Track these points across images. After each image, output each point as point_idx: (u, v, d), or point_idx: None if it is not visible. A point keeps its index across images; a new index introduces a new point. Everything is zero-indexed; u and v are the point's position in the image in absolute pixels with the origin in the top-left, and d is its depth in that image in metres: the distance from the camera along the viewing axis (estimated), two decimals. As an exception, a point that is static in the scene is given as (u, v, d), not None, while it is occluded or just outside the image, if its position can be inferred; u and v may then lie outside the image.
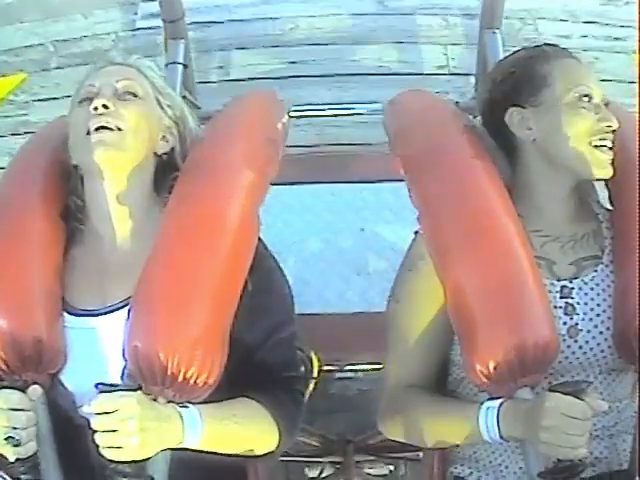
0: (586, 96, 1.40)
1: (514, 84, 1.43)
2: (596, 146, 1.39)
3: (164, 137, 1.40)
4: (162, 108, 1.40)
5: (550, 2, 2.96)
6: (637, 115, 1.51)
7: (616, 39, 2.82)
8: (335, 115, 2.34)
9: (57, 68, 2.91)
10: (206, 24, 3.02)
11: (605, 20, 2.89)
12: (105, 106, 1.33)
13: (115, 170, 1.34)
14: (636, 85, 2.16)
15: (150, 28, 2.95)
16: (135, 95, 1.37)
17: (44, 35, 3.02)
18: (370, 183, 2.16)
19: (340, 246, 2.09)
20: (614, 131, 1.40)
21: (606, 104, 1.41)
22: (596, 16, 2.92)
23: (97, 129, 1.32)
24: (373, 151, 2.37)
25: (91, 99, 1.36)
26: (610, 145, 1.40)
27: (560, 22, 2.91)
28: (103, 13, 3.01)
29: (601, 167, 1.39)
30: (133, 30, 3.01)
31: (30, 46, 3.00)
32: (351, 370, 1.86)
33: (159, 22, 2.67)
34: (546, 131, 1.40)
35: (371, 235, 2.10)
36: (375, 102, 1.77)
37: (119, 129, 1.33)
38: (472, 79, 2.63)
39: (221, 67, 2.91)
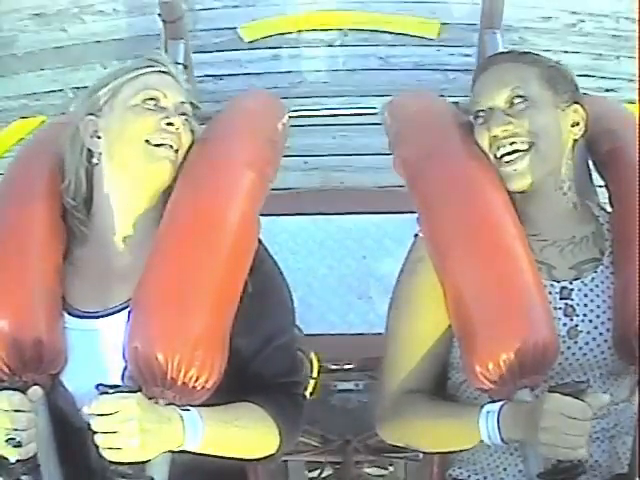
0: (481, 111, 1.40)
1: None
2: (498, 157, 1.38)
3: None
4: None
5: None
6: (637, 115, 1.52)
7: (608, 90, 2.94)
8: (335, 115, 2.40)
9: (75, 113, 3.02)
10: (219, 77, 3.15)
11: (598, 73, 3.03)
12: (177, 128, 1.36)
13: (157, 183, 1.36)
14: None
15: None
16: (189, 122, 1.40)
17: (64, 82, 3.14)
18: (372, 214, 2.22)
19: (343, 272, 2.13)
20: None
21: (515, 101, 1.37)
22: (589, 70, 3.05)
23: (162, 145, 1.34)
24: (375, 190, 2.47)
25: (159, 106, 1.37)
26: (514, 149, 1.37)
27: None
28: (120, 64, 3.13)
29: (507, 181, 1.38)
30: (149, 81, 3.14)
31: (50, 92, 3.12)
32: (350, 370, 1.88)
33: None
34: None
35: (372, 262, 2.14)
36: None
37: (177, 150, 1.36)
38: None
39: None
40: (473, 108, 1.42)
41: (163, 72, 1.41)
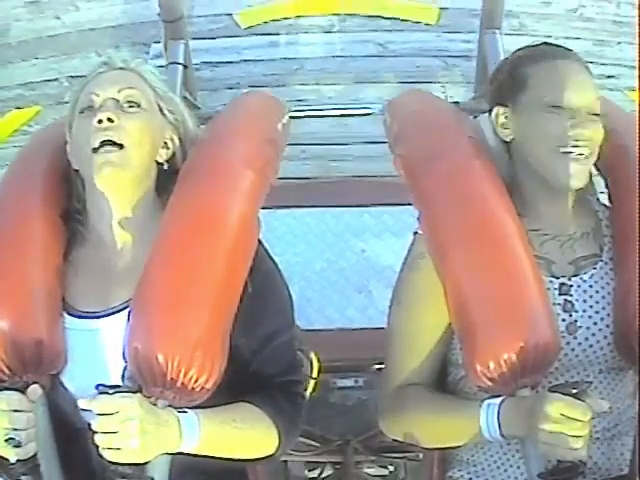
0: (556, 106, 1.37)
1: (500, 83, 1.44)
2: (565, 153, 1.36)
3: (165, 144, 1.39)
4: (164, 114, 1.39)
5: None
6: (637, 115, 1.50)
7: (609, 77, 2.93)
8: (335, 115, 2.38)
9: (70, 102, 3.01)
10: (215, 64, 3.13)
11: (599, 59, 3.01)
12: (110, 119, 1.32)
13: (118, 187, 1.34)
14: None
15: (160, 67, 3.05)
16: (139, 106, 1.36)
17: (59, 70, 3.13)
18: (370, 207, 2.21)
19: (342, 266, 2.13)
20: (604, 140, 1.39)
21: (594, 113, 1.39)
22: (590, 56, 3.03)
23: (102, 143, 1.32)
24: (373, 180, 2.45)
25: (94, 108, 1.35)
26: (584, 153, 1.37)
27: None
28: (116, 52, 3.12)
29: (568, 175, 1.37)
30: (144, 69, 3.12)
31: (45, 81, 3.11)
32: (350, 366, 1.88)
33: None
34: (521, 133, 1.40)
35: (372, 256, 2.14)
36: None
37: (122, 146, 1.32)
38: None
39: (229, 105, 3.01)
40: (550, 98, 1.37)
41: (109, 71, 1.38)
